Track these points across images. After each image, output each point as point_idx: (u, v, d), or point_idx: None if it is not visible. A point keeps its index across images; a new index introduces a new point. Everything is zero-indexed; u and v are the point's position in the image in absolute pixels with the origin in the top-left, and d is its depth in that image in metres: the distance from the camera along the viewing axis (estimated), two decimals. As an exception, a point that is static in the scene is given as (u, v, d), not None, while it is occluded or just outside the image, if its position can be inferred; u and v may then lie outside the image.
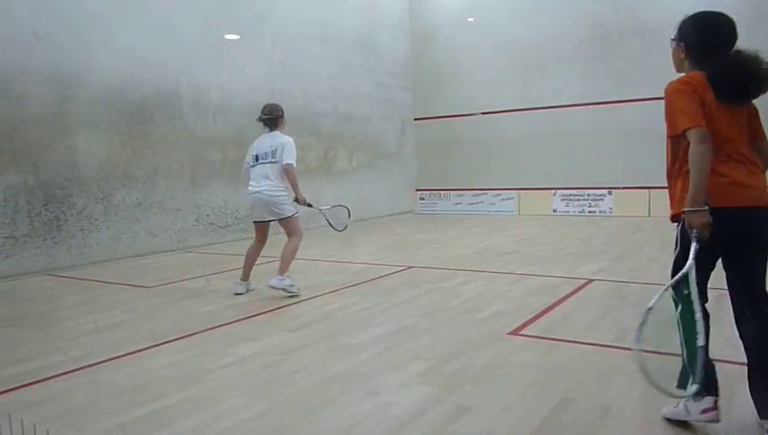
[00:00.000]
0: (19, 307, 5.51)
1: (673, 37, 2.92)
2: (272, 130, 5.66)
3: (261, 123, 5.70)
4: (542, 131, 12.69)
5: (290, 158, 5.42)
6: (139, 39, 8.27)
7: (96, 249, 7.74)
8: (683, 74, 2.71)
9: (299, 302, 5.23)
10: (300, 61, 11.08)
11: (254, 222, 5.81)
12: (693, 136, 2.37)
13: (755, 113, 2.60)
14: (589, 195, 12.31)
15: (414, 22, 14.27)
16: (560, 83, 12.46)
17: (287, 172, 5.43)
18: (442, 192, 14.13)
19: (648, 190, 11.69)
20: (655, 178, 11.67)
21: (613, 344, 3.73)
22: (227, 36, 9.75)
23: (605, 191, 12.15)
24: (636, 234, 9.16)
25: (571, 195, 12.49)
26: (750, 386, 2.55)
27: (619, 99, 11.84)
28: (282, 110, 5.79)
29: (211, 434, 2.65)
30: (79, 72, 7.60)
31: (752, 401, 2.55)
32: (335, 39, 11.97)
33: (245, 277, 5.69)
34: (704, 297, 2.72)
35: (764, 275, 2.60)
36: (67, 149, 7.46)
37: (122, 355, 3.82)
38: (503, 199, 13.29)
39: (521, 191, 13.13)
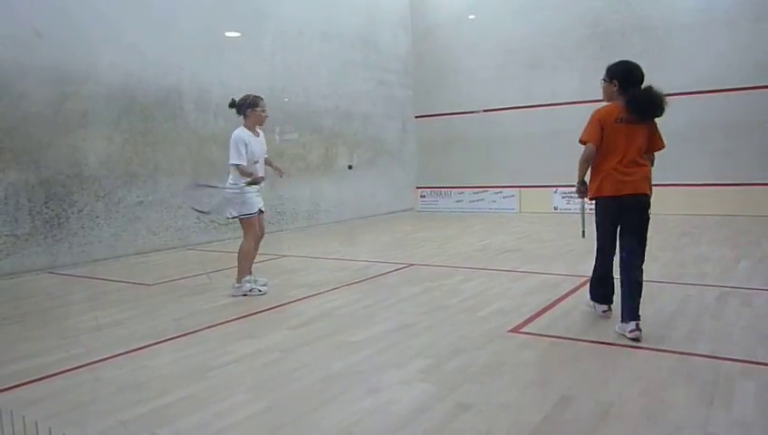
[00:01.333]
0: (21, 305, 5.52)
1: (604, 78, 4.49)
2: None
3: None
4: (543, 129, 12.68)
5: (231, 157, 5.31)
6: (140, 37, 8.27)
7: (97, 247, 7.75)
8: (607, 104, 4.28)
9: (300, 300, 5.24)
10: (301, 58, 11.08)
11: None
12: (585, 148, 4.09)
13: (655, 129, 4.22)
14: (590, 193, 12.28)
15: (415, 19, 14.25)
16: (560, 81, 12.45)
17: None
18: (443, 190, 14.12)
19: (648, 188, 11.68)
20: (655, 176, 11.66)
21: (614, 342, 3.73)
22: (228, 34, 9.75)
23: (606, 189, 12.11)
24: (637, 231, 9.14)
25: (572, 192, 12.42)
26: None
27: (620, 96, 11.81)
28: (248, 98, 5.64)
29: (212, 431, 2.66)
30: (80, 70, 7.60)
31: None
32: (336, 36, 11.96)
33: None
34: (613, 245, 4.12)
35: (644, 237, 3.96)
36: (68, 147, 7.47)
37: (124, 353, 3.83)
38: (503, 197, 13.29)
39: (521, 189, 13.12)
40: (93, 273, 6.96)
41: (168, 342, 4.07)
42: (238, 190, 5.30)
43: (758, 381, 3.03)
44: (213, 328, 4.37)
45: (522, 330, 4.08)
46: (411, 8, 14.21)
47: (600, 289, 4.31)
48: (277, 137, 10.68)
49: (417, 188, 14.51)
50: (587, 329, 4.05)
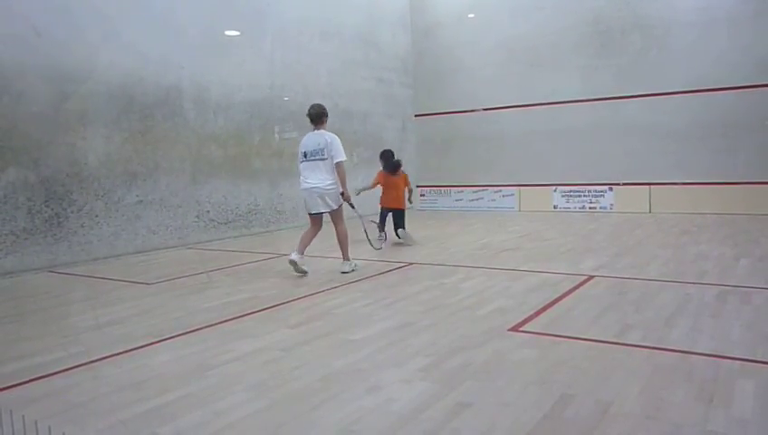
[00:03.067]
0: (20, 304, 5.52)
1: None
2: (317, 128, 6.37)
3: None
4: (543, 128, 12.68)
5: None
6: (139, 35, 8.26)
7: (97, 246, 7.75)
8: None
9: (300, 298, 5.24)
10: (300, 57, 11.07)
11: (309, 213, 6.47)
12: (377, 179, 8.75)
13: (405, 178, 8.80)
14: (589, 191, 12.31)
15: (415, 18, 14.25)
16: (560, 79, 12.45)
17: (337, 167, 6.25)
18: (442, 188, 14.13)
19: (648, 187, 11.71)
20: (655, 175, 11.74)
21: (614, 341, 3.73)
22: (228, 32, 9.75)
23: (606, 187, 12.14)
24: (636, 230, 9.16)
25: (571, 191, 12.49)
26: None
27: (620, 95, 11.83)
28: (324, 108, 6.56)
29: (212, 430, 2.65)
30: (79, 69, 7.59)
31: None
32: (336, 35, 11.96)
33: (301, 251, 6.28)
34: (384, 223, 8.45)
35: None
36: (68, 146, 7.46)
37: (123, 352, 3.83)
38: (503, 196, 13.29)
39: (521, 187, 13.12)
40: (93, 272, 6.96)
41: (168, 340, 4.07)
42: (335, 186, 6.24)
43: (757, 379, 3.03)
44: (212, 327, 4.36)
45: (521, 329, 4.08)
46: (411, 7, 14.21)
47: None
48: (277, 135, 10.68)
49: (417, 186, 14.50)
50: (587, 328, 4.05)
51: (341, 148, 6.23)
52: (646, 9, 11.56)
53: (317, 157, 6.22)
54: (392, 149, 9.02)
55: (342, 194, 6.29)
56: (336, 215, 6.37)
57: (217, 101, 9.47)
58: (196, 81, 9.13)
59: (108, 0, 7.89)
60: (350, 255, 6.46)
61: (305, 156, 6.29)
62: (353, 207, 6.55)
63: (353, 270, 6.35)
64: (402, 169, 8.77)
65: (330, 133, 6.32)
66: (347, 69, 12.26)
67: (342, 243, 6.42)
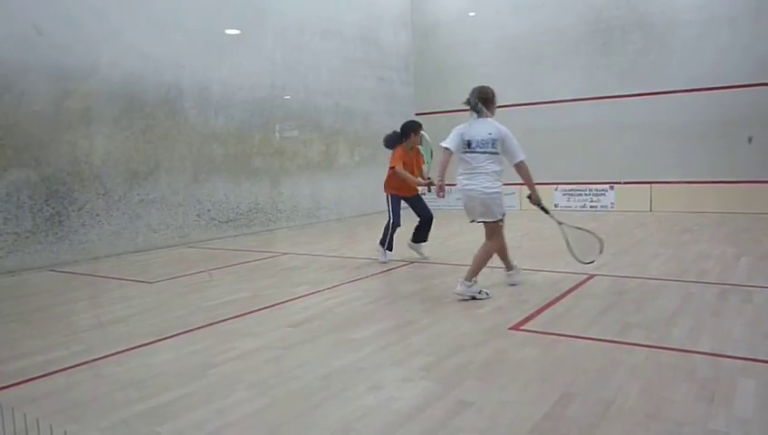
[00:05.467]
0: (22, 302, 5.52)
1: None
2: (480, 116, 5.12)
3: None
4: (544, 126, 12.66)
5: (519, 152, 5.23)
6: (140, 34, 8.26)
7: (98, 245, 7.76)
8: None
9: (301, 297, 5.24)
10: (301, 56, 11.07)
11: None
12: None
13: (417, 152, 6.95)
14: (590, 190, 12.30)
15: (415, 16, 14.23)
16: (561, 78, 12.44)
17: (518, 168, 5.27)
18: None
19: (649, 185, 11.70)
20: (657, 173, 11.72)
21: (615, 339, 3.73)
22: (228, 31, 9.74)
23: (607, 186, 12.13)
24: (637, 229, 9.16)
25: (572, 190, 12.48)
26: None
27: (621, 93, 11.81)
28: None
29: (214, 428, 2.66)
30: (80, 68, 7.60)
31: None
32: (337, 34, 11.95)
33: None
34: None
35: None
36: (69, 145, 7.47)
37: (125, 350, 3.83)
38: (504, 194, 13.24)
39: (522, 186, 13.07)
40: (94, 270, 6.97)
41: (169, 339, 4.07)
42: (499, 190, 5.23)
43: (758, 378, 3.03)
44: (213, 325, 4.37)
45: (522, 327, 4.08)
46: (412, 5, 14.19)
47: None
48: (278, 134, 10.68)
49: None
50: (588, 326, 4.05)
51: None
52: (646, 7, 11.54)
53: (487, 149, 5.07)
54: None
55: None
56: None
57: (218, 99, 9.47)
58: (196, 79, 9.12)
59: (109, 0, 7.90)
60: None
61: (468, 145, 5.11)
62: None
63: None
64: (408, 140, 6.79)
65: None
66: (348, 68, 12.25)
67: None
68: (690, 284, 5.22)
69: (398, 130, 6.82)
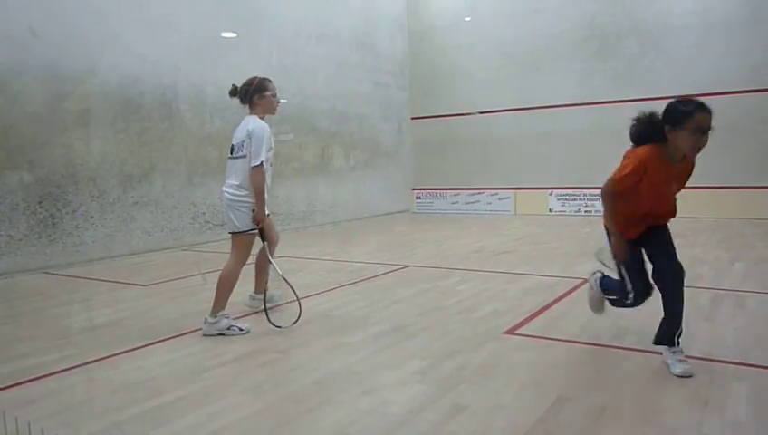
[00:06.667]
0: (14, 305, 5.49)
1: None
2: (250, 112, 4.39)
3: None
4: (539, 131, 12.71)
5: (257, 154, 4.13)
6: (136, 36, 8.25)
7: (91, 247, 7.72)
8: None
9: (295, 301, 5.22)
10: (297, 59, 11.07)
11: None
12: None
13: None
14: (585, 195, 12.33)
15: (411, 21, 14.27)
16: (556, 83, 12.48)
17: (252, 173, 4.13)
18: (438, 191, 14.14)
19: (644, 190, 11.72)
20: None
21: (609, 344, 3.74)
22: (224, 35, 9.74)
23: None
24: (632, 234, 9.17)
25: (567, 195, 12.51)
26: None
27: (616, 99, 11.85)
28: (253, 82, 4.41)
29: (207, 432, 2.65)
30: (76, 70, 7.57)
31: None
32: (333, 38, 11.96)
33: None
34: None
35: None
36: (63, 147, 7.44)
37: (118, 353, 3.81)
38: (499, 199, 13.31)
39: (517, 191, 13.14)
40: (88, 273, 6.94)
41: (163, 342, 4.05)
42: (246, 199, 4.20)
43: (751, 382, 3.04)
44: (208, 329, 4.34)
45: (517, 331, 4.08)
46: (408, 10, 14.22)
47: None
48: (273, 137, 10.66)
49: (413, 189, 14.52)
50: (582, 331, 4.05)
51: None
52: (642, 13, 11.60)
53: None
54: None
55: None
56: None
57: (214, 102, 9.46)
58: (192, 82, 9.11)
59: (105, 1, 7.88)
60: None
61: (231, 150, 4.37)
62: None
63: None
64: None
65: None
66: (343, 72, 12.26)
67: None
68: (684, 288, 5.22)
69: (658, 116, 3.64)
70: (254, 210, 4.17)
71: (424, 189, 14.34)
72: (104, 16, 7.87)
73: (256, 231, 4.28)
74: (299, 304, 4.31)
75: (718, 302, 4.72)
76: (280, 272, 4.39)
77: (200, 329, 4.27)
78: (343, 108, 12.27)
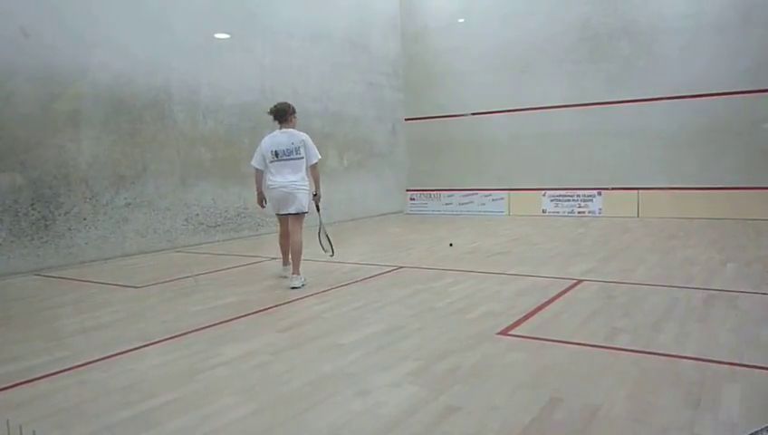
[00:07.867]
0: (6, 307, 5.46)
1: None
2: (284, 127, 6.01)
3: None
4: (532, 132, 12.75)
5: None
6: (128, 37, 8.22)
7: (84, 249, 7.69)
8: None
9: (289, 302, 5.22)
10: (290, 60, 11.06)
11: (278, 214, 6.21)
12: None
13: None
14: (578, 196, 12.37)
15: (405, 22, 14.28)
16: (549, 85, 12.52)
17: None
18: (432, 192, 14.15)
19: (636, 191, 11.79)
20: (644, 179, 11.81)
21: (602, 344, 3.75)
22: (218, 35, 9.72)
23: (594, 192, 12.22)
24: (625, 234, 9.22)
25: (560, 196, 12.55)
26: None
27: (609, 100, 11.91)
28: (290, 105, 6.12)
29: (200, 435, 2.64)
30: (68, 70, 7.54)
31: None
32: (326, 39, 11.96)
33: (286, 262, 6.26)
34: None
35: None
36: (55, 148, 7.41)
37: (110, 356, 3.79)
38: (493, 200, 13.33)
39: (511, 192, 13.17)
40: (80, 275, 6.90)
41: (156, 344, 4.04)
42: (307, 187, 6.01)
43: (744, 383, 3.05)
44: (200, 331, 4.34)
45: (510, 332, 4.08)
46: (401, 11, 14.24)
47: None
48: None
49: (407, 190, 14.53)
50: (575, 331, 4.06)
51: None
52: (634, 15, 11.66)
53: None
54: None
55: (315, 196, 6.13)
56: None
57: (207, 103, 9.44)
58: (185, 83, 9.09)
59: (98, 2, 7.85)
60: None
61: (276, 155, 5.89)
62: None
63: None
64: None
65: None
66: (337, 72, 12.26)
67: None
68: (677, 289, 5.25)
69: None
70: (314, 194, 6.12)
71: (418, 190, 14.35)
72: (98, 17, 7.84)
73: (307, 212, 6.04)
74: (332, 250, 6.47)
75: (711, 302, 4.74)
76: (326, 233, 6.47)
77: (194, 330, 4.29)
78: (337, 109, 12.26)
